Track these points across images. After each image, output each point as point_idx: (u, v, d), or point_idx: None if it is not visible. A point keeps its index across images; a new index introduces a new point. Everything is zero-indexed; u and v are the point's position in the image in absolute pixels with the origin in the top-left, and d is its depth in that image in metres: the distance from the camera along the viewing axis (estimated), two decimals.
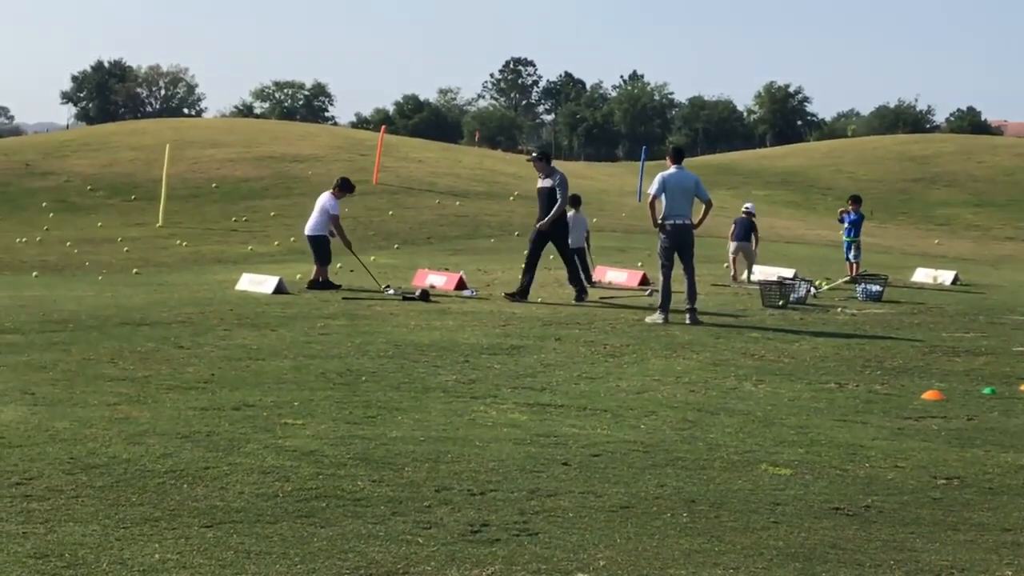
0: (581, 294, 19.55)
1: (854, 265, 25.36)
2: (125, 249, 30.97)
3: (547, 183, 19.55)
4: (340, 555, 6.18)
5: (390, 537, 6.49)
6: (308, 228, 21.56)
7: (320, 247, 21.09)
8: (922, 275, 27.15)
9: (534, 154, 20.63)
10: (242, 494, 7.26)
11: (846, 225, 25.87)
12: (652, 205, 17.50)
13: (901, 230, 48.68)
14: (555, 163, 21.95)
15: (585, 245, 23.26)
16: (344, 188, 21.76)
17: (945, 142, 79.46)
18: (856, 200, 26.43)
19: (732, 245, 25.19)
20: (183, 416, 9.54)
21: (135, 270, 26.49)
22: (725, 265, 27.06)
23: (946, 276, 26.62)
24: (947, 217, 54.25)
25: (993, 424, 10.39)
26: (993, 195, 59.61)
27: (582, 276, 20.26)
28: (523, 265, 19.96)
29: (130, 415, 9.54)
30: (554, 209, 19.29)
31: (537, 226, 19.58)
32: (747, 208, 25.95)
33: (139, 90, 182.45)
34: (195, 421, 9.34)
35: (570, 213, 23.46)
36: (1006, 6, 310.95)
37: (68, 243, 32.10)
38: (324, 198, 21.58)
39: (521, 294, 19.38)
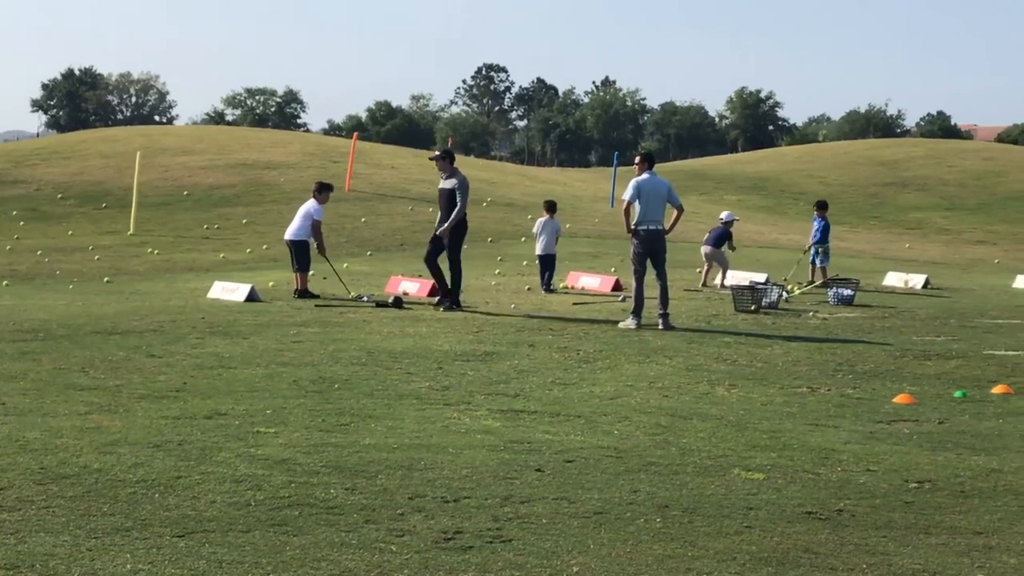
0: (452, 304, 18.92)
1: (821, 270, 25.42)
2: (96, 257, 30.84)
3: (448, 184, 19.06)
4: (313, 564, 6.16)
5: (363, 545, 6.48)
6: (290, 233, 21.29)
7: (302, 252, 20.93)
8: (893, 279, 27.30)
9: (437, 153, 19.87)
10: (214, 503, 7.23)
11: (814, 231, 25.88)
12: (627, 211, 17.53)
13: (872, 234, 48.89)
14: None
15: (555, 251, 23.33)
16: (323, 190, 21.67)
17: (916, 146, 79.95)
18: (822, 206, 26.46)
19: (705, 249, 25.23)
20: (155, 425, 9.50)
21: (106, 278, 26.36)
22: (698, 270, 27.11)
23: (917, 280, 26.76)
24: (918, 221, 54.53)
25: (964, 427, 10.43)
26: (964, 199, 59.95)
27: (459, 287, 19.36)
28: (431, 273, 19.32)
29: (101, 424, 9.49)
30: (454, 214, 18.75)
31: (436, 232, 18.98)
32: (724, 218, 25.93)
33: (110, 98, 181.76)
34: (167, 430, 9.30)
35: (543, 218, 23.53)
36: (975, 12, 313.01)
37: (39, 252, 31.95)
38: (308, 204, 21.37)
39: (448, 300, 19.01)
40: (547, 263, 23.05)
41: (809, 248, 25.93)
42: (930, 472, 8.58)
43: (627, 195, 17.49)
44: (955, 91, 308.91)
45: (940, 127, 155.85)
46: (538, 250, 23.21)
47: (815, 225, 25.79)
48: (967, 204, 58.80)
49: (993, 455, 9.23)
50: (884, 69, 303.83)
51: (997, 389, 12.39)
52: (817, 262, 25.56)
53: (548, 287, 22.72)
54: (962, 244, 47.58)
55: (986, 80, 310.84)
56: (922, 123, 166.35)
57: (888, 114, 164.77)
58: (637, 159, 17.99)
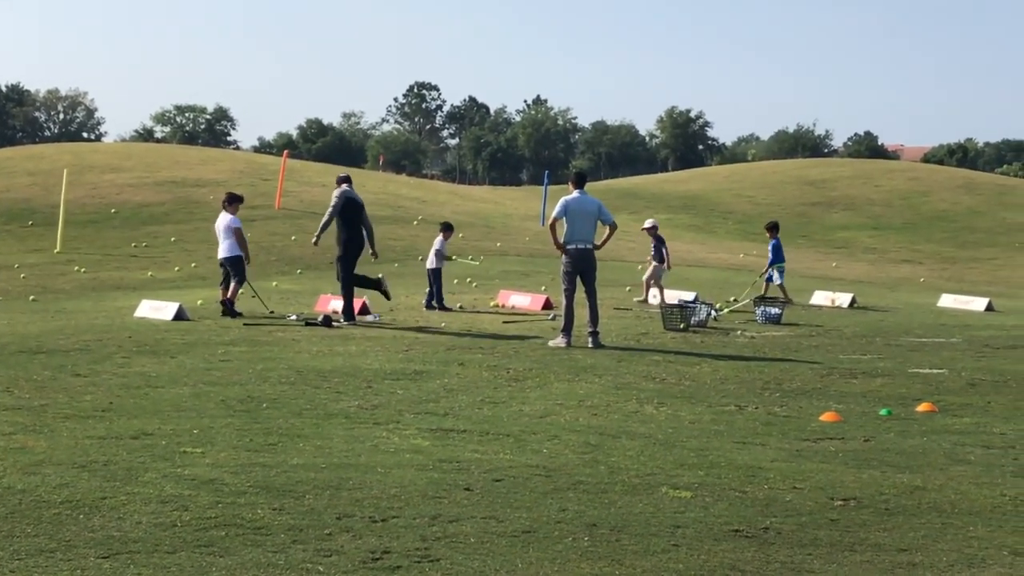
0: (343, 319, 19.82)
1: (780, 287, 26.00)
2: (22, 276, 30.46)
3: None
4: None
5: (290, 566, 6.44)
6: (224, 251, 20.97)
7: (238, 267, 20.71)
8: (820, 298, 27.57)
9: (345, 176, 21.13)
10: (140, 524, 7.17)
11: (770, 254, 26.50)
12: (553, 227, 17.60)
13: (800, 253, 49.29)
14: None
15: (440, 267, 23.23)
16: (233, 201, 21.45)
17: (843, 166, 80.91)
18: (772, 227, 27.01)
19: (651, 267, 25.39)
20: (80, 445, 9.40)
21: (32, 297, 26.07)
22: (628, 288, 27.24)
23: (844, 299, 27.05)
24: (845, 240, 55.10)
25: (889, 445, 10.54)
26: (890, 218, 60.69)
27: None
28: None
29: (26, 445, 9.38)
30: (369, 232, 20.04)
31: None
32: (650, 225, 26.18)
33: (37, 114, 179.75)
34: (92, 450, 9.20)
35: (440, 238, 23.70)
36: (903, 34, 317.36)
37: None
38: (225, 219, 21.08)
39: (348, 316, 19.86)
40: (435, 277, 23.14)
41: (765, 272, 26.43)
42: (855, 490, 8.66)
43: (554, 212, 17.62)
44: (882, 112, 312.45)
45: (867, 147, 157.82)
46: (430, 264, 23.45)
47: (770, 247, 26.41)
48: (893, 223, 59.53)
49: (917, 473, 9.34)
50: (812, 89, 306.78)
51: (921, 407, 12.54)
52: (775, 280, 26.04)
53: (430, 303, 22.79)
54: (888, 263, 48.17)
55: (913, 101, 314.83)
56: (849, 143, 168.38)
57: (816, 134, 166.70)
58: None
